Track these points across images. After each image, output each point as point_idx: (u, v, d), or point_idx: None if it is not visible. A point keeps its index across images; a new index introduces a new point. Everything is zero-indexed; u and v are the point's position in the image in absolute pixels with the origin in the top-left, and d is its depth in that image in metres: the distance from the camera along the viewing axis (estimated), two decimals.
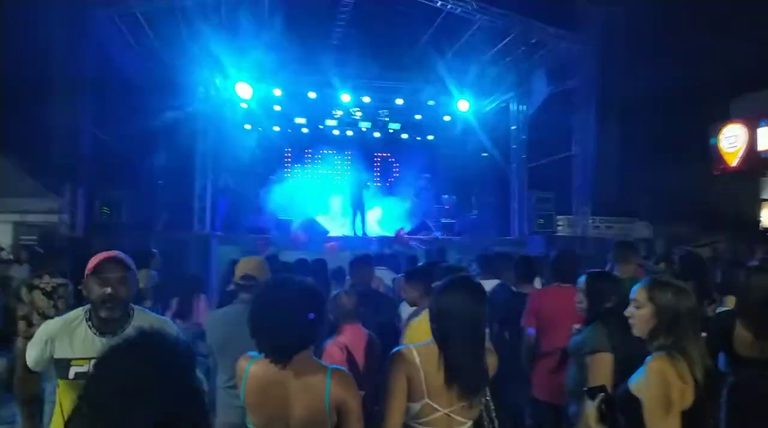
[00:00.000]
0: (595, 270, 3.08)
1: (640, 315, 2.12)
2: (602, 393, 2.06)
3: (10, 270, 7.56)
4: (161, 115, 10.66)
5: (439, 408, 2.01)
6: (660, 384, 1.94)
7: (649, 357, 2.02)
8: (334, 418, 1.91)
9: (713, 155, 14.38)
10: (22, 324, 4.47)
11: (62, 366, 2.21)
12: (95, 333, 2.26)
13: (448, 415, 2.02)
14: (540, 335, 3.61)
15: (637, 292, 2.14)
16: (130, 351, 1.22)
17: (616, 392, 2.11)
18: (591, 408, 2.08)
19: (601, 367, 2.61)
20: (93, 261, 2.31)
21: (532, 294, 3.88)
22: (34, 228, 9.80)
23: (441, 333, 2.10)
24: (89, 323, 2.28)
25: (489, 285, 4.36)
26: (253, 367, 1.96)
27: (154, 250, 6.57)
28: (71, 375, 2.18)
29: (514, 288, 4.53)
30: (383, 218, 14.23)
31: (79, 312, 2.36)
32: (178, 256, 9.09)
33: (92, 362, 2.12)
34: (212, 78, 11.53)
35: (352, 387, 1.95)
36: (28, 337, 4.17)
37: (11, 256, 7.96)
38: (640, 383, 2.00)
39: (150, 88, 11.22)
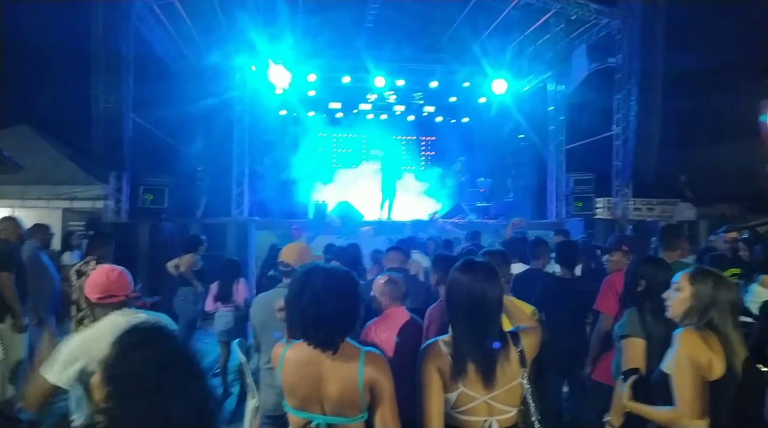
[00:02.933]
0: (644, 255, 3.03)
1: (678, 297, 2.13)
2: (635, 375, 2.07)
3: (62, 257, 7.91)
4: (200, 101, 10.86)
5: (476, 395, 2.01)
6: (686, 352, 1.97)
7: (676, 331, 2.02)
8: (367, 397, 1.96)
9: (763, 133, 13.70)
10: (73, 309, 4.67)
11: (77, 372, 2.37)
12: None
13: (488, 403, 2.01)
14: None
15: (680, 277, 2.16)
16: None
17: (650, 375, 2.11)
18: (625, 388, 2.11)
19: (633, 352, 2.61)
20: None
21: (611, 278, 3.76)
22: (81, 214, 10.15)
23: (450, 315, 2.12)
24: None
25: (517, 268, 4.33)
26: (289, 352, 2.02)
27: (203, 237, 6.75)
28: None
29: (554, 273, 4.48)
30: (418, 202, 14.20)
31: None
32: (218, 241, 9.33)
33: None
34: (248, 64, 11.65)
35: (384, 368, 1.99)
36: (80, 321, 4.40)
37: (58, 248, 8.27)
38: (669, 358, 2.02)
39: (188, 76, 11.45)
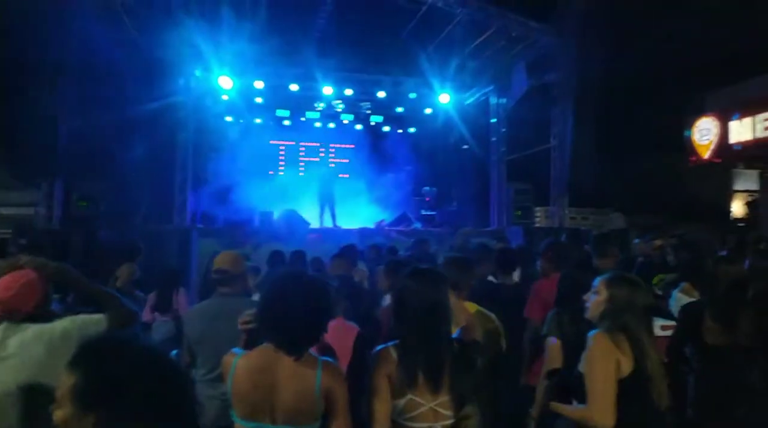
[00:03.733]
0: (576, 261, 3.20)
1: (595, 300, 2.28)
2: (556, 375, 2.22)
3: None
4: (141, 106, 10.52)
5: (423, 402, 2.05)
6: (596, 352, 2.12)
7: (589, 334, 2.17)
8: (322, 406, 1.98)
9: (687, 147, 14.70)
10: None
11: None
12: None
13: (433, 409, 2.06)
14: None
15: (599, 281, 2.32)
16: None
17: (570, 373, 2.25)
18: (546, 387, 2.26)
19: (551, 351, 2.79)
20: None
21: (537, 284, 3.89)
22: (8, 220, 9.60)
23: (399, 322, 2.16)
24: None
25: None
26: (242, 360, 2.02)
27: (140, 244, 6.54)
28: None
29: (493, 280, 4.63)
30: (364, 210, 14.30)
31: None
32: (158, 250, 9.04)
33: None
34: (192, 69, 11.41)
35: (341, 377, 2.04)
36: None
37: None
38: (582, 359, 2.17)
39: (129, 79, 11.05)
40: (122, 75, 10.80)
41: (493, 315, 3.12)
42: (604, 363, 2.10)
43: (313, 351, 2.08)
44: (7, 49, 9.03)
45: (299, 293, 1.99)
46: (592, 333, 2.18)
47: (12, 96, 9.47)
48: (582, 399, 2.17)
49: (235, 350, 2.10)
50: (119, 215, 10.57)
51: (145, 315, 5.82)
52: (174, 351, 4.04)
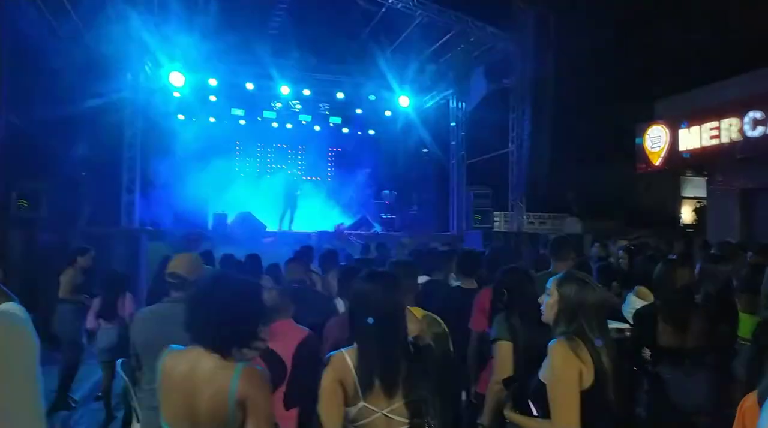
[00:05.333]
0: (508, 266, 3.17)
1: (548, 302, 2.25)
2: (515, 383, 2.14)
3: None
4: (85, 101, 10.02)
5: (375, 409, 1.98)
6: (558, 364, 2.06)
7: (550, 343, 2.11)
8: (239, 415, 1.81)
9: (638, 154, 15.15)
10: None
11: None
12: None
13: (386, 415, 1.99)
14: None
15: (551, 282, 2.28)
16: None
17: (529, 381, 2.19)
18: (504, 395, 2.18)
19: (501, 354, 2.75)
20: None
21: (482, 293, 3.81)
22: None
23: (354, 327, 2.08)
24: None
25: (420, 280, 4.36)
26: (168, 359, 1.91)
27: (85, 247, 6.20)
28: None
29: (453, 283, 4.55)
30: (323, 213, 14.09)
31: None
32: (104, 253, 8.61)
33: None
34: (141, 64, 10.97)
35: (261, 384, 1.86)
36: None
37: None
38: (544, 368, 2.12)
39: (73, 74, 10.49)
40: (66, 68, 10.27)
41: (439, 319, 3.07)
42: (567, 374, 2.05)
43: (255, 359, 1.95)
44: None
45: (225, 293, 1.89)
46: (552, 343, 2.12)
47: None
48: (544, 407, 2.10)
49: (172, 346, 1.96)
50: (62, 216, 10.03)
51: (89, 322, 5.51)
52: (119, 360, 3.80)
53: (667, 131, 14.30)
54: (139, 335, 2.91)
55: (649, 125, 14.97)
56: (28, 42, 9.66)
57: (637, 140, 15.19)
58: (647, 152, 14.89)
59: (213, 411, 1.80)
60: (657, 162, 14.63)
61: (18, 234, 8.64)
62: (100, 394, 5.55)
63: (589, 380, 2.06)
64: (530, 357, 2.45)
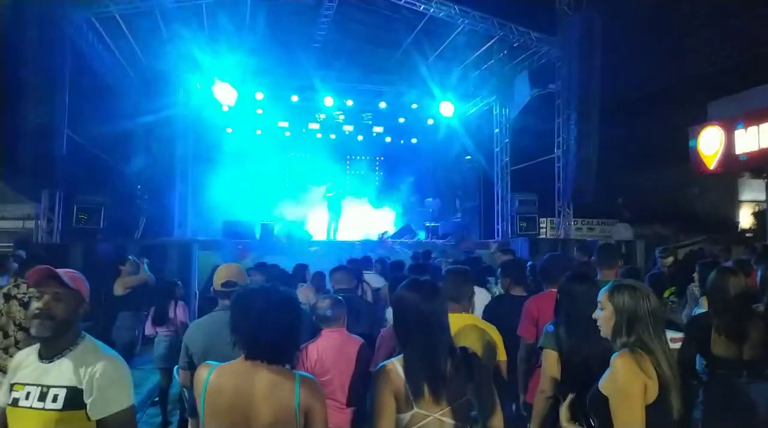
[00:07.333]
0: (573, 273, 3.08)
1: (602, 316, 2.18)
2: (572, 394, 2.09)
3: None
4: (140, 118, 10.48)
5: (428, 413, 2.01)
6: (623, 378, 1.99)
7: (613, 356, 2.06)
8: (302, 423, 1.89)
9: (692, 158, 14.58)
10: None
11: (6, 390, 2.05)
12: (39, 358, 2.05)
13: (439, 419, 2.02)
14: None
15: (601, 296, 2.21)
16: None
17: (587, 393, 2.14)
18: (562, 408, 2.14)
19: (547, 362, 2.72)
20: (30, 275, 2.09)
21: (530, 301, 3.72)
22: (9, 234, 9.52)
23: (399, 335, 2.13)
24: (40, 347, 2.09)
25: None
26: (215, 375, 1.93)
27: (130, 257, 6.45)
28: (11, 400, 2.01)
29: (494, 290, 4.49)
30: (367, 222, 14.19)
31: None
32: (158, 263, 8.93)
33: (29, 388, 1.97)
34: (193, 81, 11.38)
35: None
36: (4, 349, 4.06)
37: None
38: (606, 381, 2.04)
39: (128, 91, 11.04)
40: (122, 87, 10.79)
41: (491, 326, 3.07)
42: (632, 388, 1.97)
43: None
44: (7, 62, 9.00)
45: (278, 306, 1.95)
46: (615, 356, 2.07)
47: (9, 109, 9.43)
48: (603, 420, 2.04)
49: (209, 362, 2.01)
50: (120, 228, 10.49)
51: (147, 329, 5.74)
52: (176, 366, 3.93)
53: (723, 133, 13.71)
54: (194, 344, 2.96)
55: (703, 127, 14.40)
56: (88, 62, 10.20)
57: (691, 143, 14.63)
58: (701, 155, 14.31)
59: (277, 420, 1.86)
60: (712, 165, 14.04)
61: (79, 245, 9.09)
62: (156, 399, 5.71)
63: (653, 394, 2.00)
64: (581, 367, 2.41)
